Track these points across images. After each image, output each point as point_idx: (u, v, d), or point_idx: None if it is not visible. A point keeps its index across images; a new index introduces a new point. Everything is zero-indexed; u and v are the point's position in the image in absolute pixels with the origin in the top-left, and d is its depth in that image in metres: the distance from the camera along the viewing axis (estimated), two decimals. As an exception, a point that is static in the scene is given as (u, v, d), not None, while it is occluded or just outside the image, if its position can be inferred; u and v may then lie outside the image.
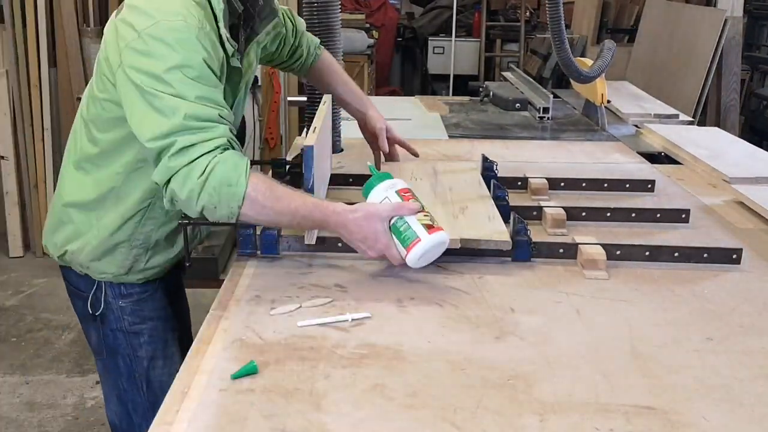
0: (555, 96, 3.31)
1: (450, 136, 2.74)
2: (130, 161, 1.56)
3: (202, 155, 1.37)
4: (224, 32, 1.49)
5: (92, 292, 1.70)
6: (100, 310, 1.70)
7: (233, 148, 1.42)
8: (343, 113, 2.62)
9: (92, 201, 1.61)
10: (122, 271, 1.67)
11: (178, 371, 1.75)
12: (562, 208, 1.82)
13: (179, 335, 1.82)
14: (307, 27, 2.17)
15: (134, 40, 1.40)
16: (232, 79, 1.62)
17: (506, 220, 1.69)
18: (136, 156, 1.54)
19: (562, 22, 2.20)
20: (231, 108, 1.60)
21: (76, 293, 1.75)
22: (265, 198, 1.40)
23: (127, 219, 1.61)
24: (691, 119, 3.11)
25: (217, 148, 1.38)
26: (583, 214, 1.84)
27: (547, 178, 2.05)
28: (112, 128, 1.54)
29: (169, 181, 1.39)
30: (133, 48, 1.40)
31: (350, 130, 2.68)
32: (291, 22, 1.98)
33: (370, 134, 2.06)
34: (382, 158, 2.06)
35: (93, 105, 1.57)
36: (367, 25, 6.61)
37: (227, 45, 1.51)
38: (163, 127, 1.37)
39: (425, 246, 1.45)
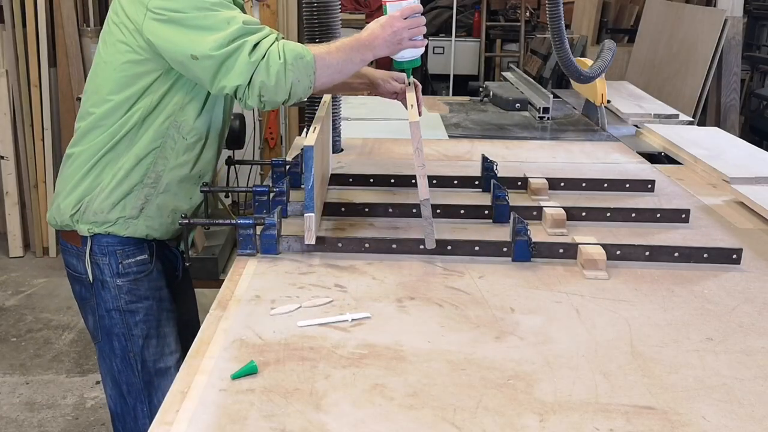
0: (555, 96, 3.31)
1: (450, 136, 2.74)
2: (143, 110, 1.67)
3: (272, 45, 1.57)
4: None
5: (88, 272, 1.75)
6: (95, 289, 1.76)
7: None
8: (343, 113, 2.62)
9: (107, 148, 1.69)
10: (134, 213, 1.73)
11: (171, 352, 1.81)
12: (562, 208, 1.82)
13: (176, 319, 1.87)
14: (306, 27, 2.18)
15: None
16: None
17: (506, 220, 1.69)
18: (148, 105, 1.66)
19: (562, 22, 2.20)
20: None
21: (75, 276, 1.80)
22: (324, 54, 1.62)
23: (141, 159, 1.69)
24: (691, 119, 3.11)
25: (276, 37, 1.60)
26: (583, 214, 1.84)
27: (547, 178, 2.05)
28: (125, 88, 1.65)
29: (251, 77, 1.55)
30: None
31: (350, 130, 2.69)
32: None
33: (392, 96, 2.07)
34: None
35: (104, 71, 1.67)
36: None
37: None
38: (226, 34, 1.53)
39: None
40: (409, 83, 1.88)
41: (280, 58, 1.55)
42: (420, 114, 1.94)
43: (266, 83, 1.55)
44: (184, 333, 1.93)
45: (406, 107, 1.94)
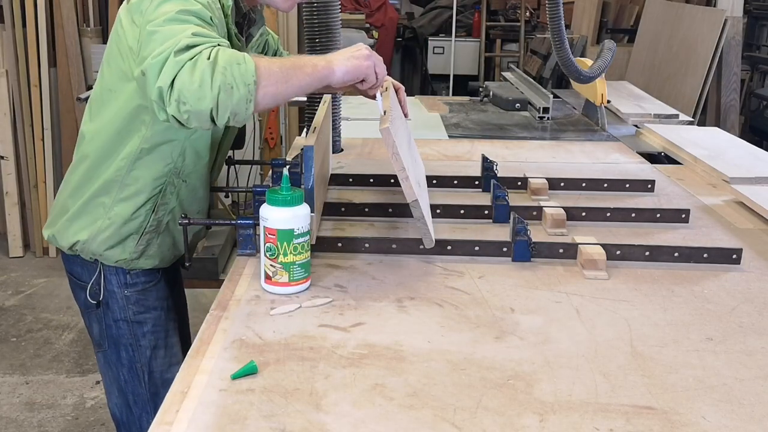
0: (555, 96, 3.31)
1: (450, 136, 2.74)
2: (133, 150, 1.59)
3: (205, 48, 1.34)
4: (232, 27, 1.55)
5: (92, 281, 1.72)
6: (103, 299, 1.72)
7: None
8: (343, 113, 2.62)
9: (100, 190, 1.64)
10: (135, 256, 1.70)
11: (178, 362, 1.75)
12: (562, 208, 1.82)
13: (179, 327, 1.86)
14: (306, 27, 2.18)
15: (148, 7, 1.43)
16: None
17: (506, 220, 1.69)
18: (139, 144, 1.59)
19: (562, 22, 2.21)
20: None
21: (80, 284, 1.77)
22: (271, 64, 1.40)
23: (140, 207, 1.65)
24: (691, 119, 3.11)
25: (218, 45, 1.36)
26: (583, 214, 1.84)
27: (547, 178, 2.05)
28: (128, 122, 1.58)
29: (174, 79, 1.31)
30: (145, 9, 1.44)
31: (350, 130, 2.69)
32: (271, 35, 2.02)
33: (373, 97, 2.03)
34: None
35: (109, 100, 1.60)
36: (367, 25, 6.62)
37: (234, 40, 1.55)
38: (170, 41, 1.34)
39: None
40: (386, 89, 1.86)
41: (209, 59, 1.32)
42: (407, 115, 1.91)
43: (187, 85, 1.30)
44: (180, 334, 1.93)
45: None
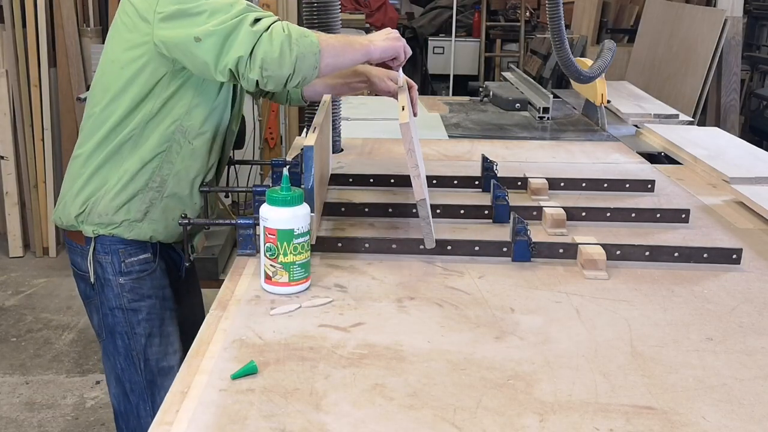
0: (555, 96, 3.31)
1: (450, 136, 2.74)
2: (148, 112, 1.67)
3: (275, 21, 1.55)
4: None
5: (91, 271, 1.76)
6: (99, 287, 1.77)
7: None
8: (343, 113, 2.62)
9: (112, 150, 1.70)
10: (139, 216, 1.73)
11: (175, 351, 1.82)
12: (562, 208, 1.82)
13: (179, 318, 1.87)
14: (306, 27, 2.17)
15: None
16: None
17: (506, 220, 1.69)
18: (153, 107, 1.67)
19: (562, 22, 2.20)
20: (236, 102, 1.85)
21: (80, 275, 1.82)
22: (329, 38, 1.65)
23: (146, 162, 1.70)
24: (691, 119, 3.11)
25: (279, 19, 1.58)
26: (583, 214, 1.84)
27: (547, 178, 2.05)
28: (131, 88, 1.66)
29: (253, 48, 1.51)
30: None
31: (350, 130, 2.69)
32: None
33: (388, 94, 2.08)
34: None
35: (111, 70, 1.67)
36: (367, 25, 6.61)
37: None
38: (231, 11, 1.52)
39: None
40: (402, 84, 1.89)
41: (284, 31, 1.53)
42: (415, 114, 1.96)
43: (269, 54, 1.52)
44: (191, 333, 1.92)
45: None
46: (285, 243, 1.40)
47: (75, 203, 1.75)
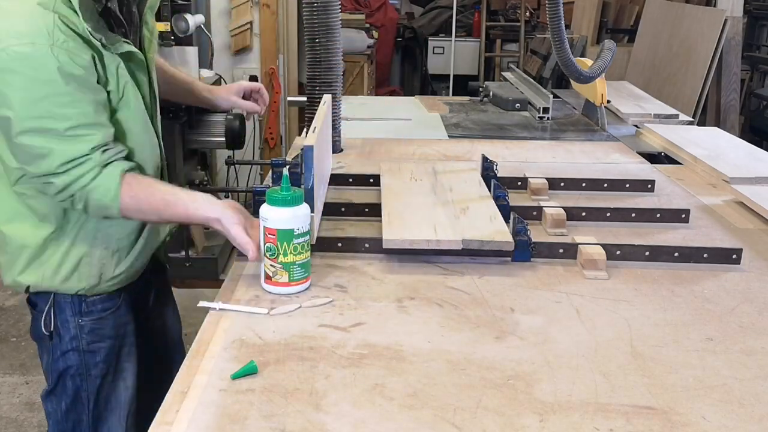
0: (555, 96, 3.30)
1: (450, 136, 2.74)
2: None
3: (78, 191, 1.43)
4: (85, 29, 1.42)
5: (46, 309, 1.62)
6: (54, 329, 1.63)
7: (109, 159, 1.45)
8: (343, 113, 2.62)
9: (39, 221, 1.55)
10: (94, 282, 1.61)
11: (126, 387, 1.71)
12: (562, 208, 1.82)
13: (138, 349, 1.75)
14: (306, 27, 2.18)
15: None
16: (135, 58, 1.57)
17: (506, 220, 1.69)
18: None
19: (562, 22, 2.20)
20: (152, 89, 1.66)
21: (33, 313, 1.67)
22: (136, 202, 1.47)
23: (83, 224, 1.57)
24: (691, 119, 3.11)
25: (90, 181, 1.43)
26: (583, 214, 1.84)
27: (547, 178, 2.05)
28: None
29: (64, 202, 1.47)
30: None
31: (350, 130, 2.69)
32: None
33: (239, 100, 2.06)
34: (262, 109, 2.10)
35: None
36: (367, 25, 6.61)
37: (94, 41, 1.43)
38: (41, 167, 1.41)
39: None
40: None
41: (79, 204, 1.45)
42: (260, 113, 2.09)
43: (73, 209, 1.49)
44: (163, 340, 1.89)
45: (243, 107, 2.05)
46: (285, 243, 1.40)
47: (20, 283, 1.60)
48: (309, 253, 1.44)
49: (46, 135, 1.39)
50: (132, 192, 1.46)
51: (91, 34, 1.42)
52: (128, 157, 1.53)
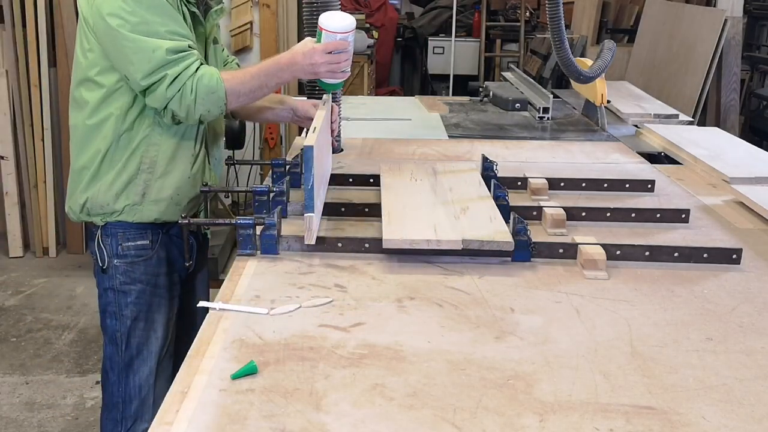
0: (555, 96, 3.31)
1: (450, 136, 2.74)
2: (123, 107, 1.78)
3: (188, 79, 1.71)
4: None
5: (96, 249, 1.87)
6: (98, 268, 1.88)
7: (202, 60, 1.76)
8: (343, 113, 2.62)
9: (101, 148, 1.80)
10: (138, 200, 1.83)
11: (158, 338, 1.90)
12: (562, 208, 1.82)
13: (170, 308, 1.94)
14: (306, 27, 2.18)
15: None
16: (198, 28, 1.87)
17: (506, 220, 1.69)
18: (126, 101, 1.78)
19: (562, 22, 2.21)
20: (210, 57, 1.96)
21: (94, 259, 1.91)
22: (237, 85, 1.77)
23: (134, 150, 1.81)
24: (691, 119, 3.11)
25: (196, 70, 1.73)
26: (583, 214, 1.84)
27: (547, 178, 2.05)
28: (106, 75, 1.77)
29: (166, 106, 1.73)
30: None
31: (350, 130, 2.69)
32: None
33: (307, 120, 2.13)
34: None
35: (84, 59, 1.79)
36: (367, 25, 6.61)
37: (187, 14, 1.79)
38: (151, 64, 1.69)
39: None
40: (324, 102, 1.96)
41: (191, 93, 1.71)
42: (335, 138, 2.14)
43: (177, 113, 1.74)
44: (187, 322, 2.00)
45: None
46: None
47: (76, 202, 1.87)
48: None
49: (151, 35, 1.68)
50: (229, 75, 1.78)
51: None
52: None
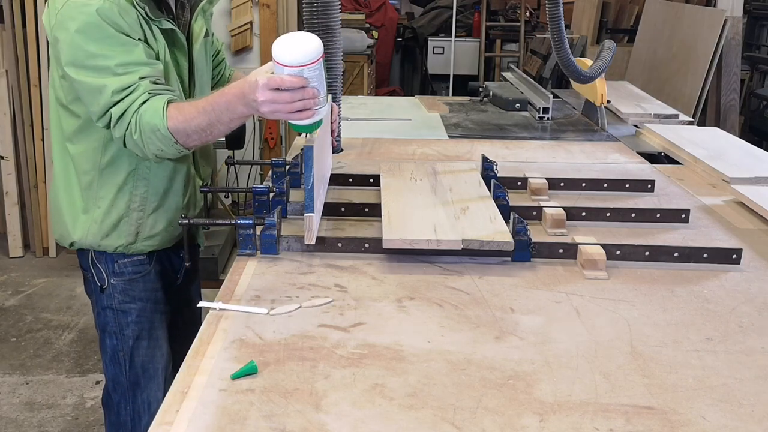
0: (555, 96, 3.31)
1: (450, 136, 2.74)
2: (105, 133, 1.67)
3: (132, 116, 1.58)
4: (145, 20, 1.64)
5: (90, 269, 1.81)
6: (95, 287, 1.82)
7: (157, 90, 1.60)
8: (343, 113, 2.62)
9: (84, 180, 1.73)
10: (131, 239, 1.77)
11: (162, 354, 1.85)
12: (562, 208, 1.82)
13: (169, 322, 1.90)
14: (307, 27, 2.18)
15: (53, 18, 1.60)
16: (177, 41, 1.75)
17: (506, 220, 1.69)
18: (106, 133, 1.68)
19: (562, 22, 2.21)
20: (192, 77, 1.83)
21: (84, 275, 1.87)
22: (182, 123, 1.57)
23: (121, 186, 1.73)
24: (690, 119, 3.11)
25: (140, 105, 1.58)
26: (583, 214, 1.84)
27: (546, 178, 2.05)
28: (80, 104, 1.68)
29: (124, 142, 1.63)
30: (53, 26, 1.60)
31: (350, 130, 2.69)
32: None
33: None
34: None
35: (59, 83, 1.70)
36: (367, 25, 6.61)
37: (139, 6, 1.63)
38: (99, 105, 1.59)
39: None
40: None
41: (136, 132, 1.58)
42: (335, 138, 2.03)
43: (136, 153, 1.64)
44: (184, 333, 1.93)
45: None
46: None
47: (65, 239, 1.80)
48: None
49: (99, 72, 1.57)
50: (177, 109, 1.58)
51: (137, 3, 1.62)
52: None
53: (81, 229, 1.76)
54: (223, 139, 3.57)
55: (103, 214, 1.74)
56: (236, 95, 1.51)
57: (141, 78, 1.59)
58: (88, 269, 1.83)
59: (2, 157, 4.39)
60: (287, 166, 1.99)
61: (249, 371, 1.17)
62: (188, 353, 1.24)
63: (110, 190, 1.73)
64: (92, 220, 1.75)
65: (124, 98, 1.58)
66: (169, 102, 1.58)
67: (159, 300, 1.87)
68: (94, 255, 1.80)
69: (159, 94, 1.60)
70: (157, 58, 1.68)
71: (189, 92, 1.83)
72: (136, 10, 1.63)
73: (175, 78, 1.75)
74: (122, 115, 1.58)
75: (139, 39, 1.63)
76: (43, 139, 4.36)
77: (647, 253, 1.62)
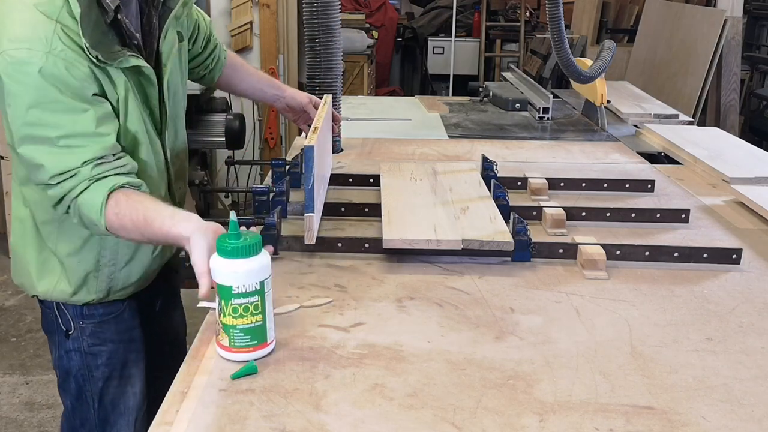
0: (555, 96, 3.31)
1: (450, 136, 2.74)
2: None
3: (71, 202, 1.41)
4: (84, 43, 1.38)
5: (54, 309, 1.63)
6: (58, 328, 1.64)
7: (101, 174, 1.40)
8: (343, 113, 2.62)
9: (44, 230, 1.56)
10: (102, 295, 1.61)
11: (134, 393, 1.70)
12: (562, 208, 1.82)
13: (147, 355, 1.73)
14: (306, 27, 2.18)
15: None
16: (144, 72, 1.51)
17: (506, 220, 1.69)
18: None
19: (562, 22, 2.21)
20: (163, 104, 1.60)
21: (43, 310, 1.68)
22: (118, 228, 1.40)
23: (86, 239, 1.55)
24: (690, 119, 3.11)
25: (77, 196, 1.39)
26: (583, 214, 1.84)
27: (546, 178, 2.05)
28: None
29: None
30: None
31: (350, 130, 2.69)
32: (197, 14, 1.84)
33: (295, 113, 2.07)
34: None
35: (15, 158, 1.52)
36: (367, 25, 6.61)
37: (91, 54, 1.39)
38: (37, 180, 1.42)
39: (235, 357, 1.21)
40: (324, 102, 1.90)
41: (75, 217, 1.43)
42: (337, 131, 2.06)
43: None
44: (174, 344, 1.88)
45: (304, 130, 2.05)
46: (224, 301, 1.18)
47: (29, 286, 1.63)
48: (261, 317, 1.19)
49: (39, 144, 1.38)
50: (117, 209, 1.38)
51: (88, 50, 1.38)
52: (133, 171, 1.47)
53: (46, 285, 1.59)
54: (223, 139, 3.58)
55: (68, 271, 1.56)
56: (175, 238, 1.35)
57: (84, 163, 1.38)
58: (51, 309, 1.63)
59: (2, 157, 4.39)
60: (287, 166, 1.99)
61: (249, 371, 1.17)
62: (188, 353, 1.24)
63: (75, 243, 1.55)
64: (57, 277, 1.58)
65: (61, 182, 1.39)
66: (110, 192, 1.39)
67: (135, 338, 1.68)
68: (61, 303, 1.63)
69: (102, 177, 1.39)
70: (118, 103, 1.47)
71: (160, 120, 1.61)
72: (88, 57, 1.39)
73: (139, 111, 1.52)
74: (60, 200, 1.41)
75: (94, 94, 1.41)
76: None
77: (647, 253, 1.62)
